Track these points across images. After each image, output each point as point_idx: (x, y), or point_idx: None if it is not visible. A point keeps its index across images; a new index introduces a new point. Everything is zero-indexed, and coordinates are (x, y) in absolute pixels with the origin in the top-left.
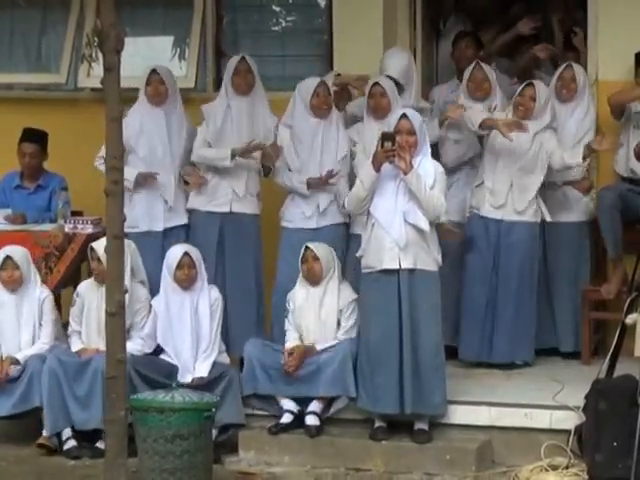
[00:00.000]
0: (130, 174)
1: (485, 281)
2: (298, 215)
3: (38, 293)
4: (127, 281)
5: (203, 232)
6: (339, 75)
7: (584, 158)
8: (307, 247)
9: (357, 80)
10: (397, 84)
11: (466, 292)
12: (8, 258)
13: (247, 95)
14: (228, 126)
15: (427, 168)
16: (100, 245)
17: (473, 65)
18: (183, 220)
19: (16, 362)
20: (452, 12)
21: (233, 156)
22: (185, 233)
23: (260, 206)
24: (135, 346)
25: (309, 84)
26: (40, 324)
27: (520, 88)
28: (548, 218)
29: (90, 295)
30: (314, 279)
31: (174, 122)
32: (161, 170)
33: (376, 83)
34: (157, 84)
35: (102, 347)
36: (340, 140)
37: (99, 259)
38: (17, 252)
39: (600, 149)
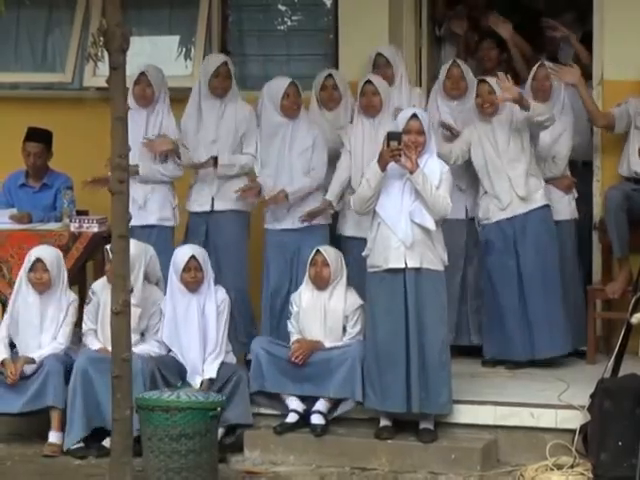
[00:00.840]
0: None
1: (512, 283)
2: (281, 216)
3: (66, 297)
4: (140, 284)
5: (192, 232)
6: (330, 76)
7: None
8: (318, 250)
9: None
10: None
11: (492, 296)
12: (38, 261)
13: (221, 98)
14: (201, 126)
15: (433, 167)
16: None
17: (450, 63)
18: (151, 220)
19: (31, 361)
20: (445, 17)
21: (192, 166)
22: (157, 234)
23: (249, 203)
24: (152, 348)
25: (280, 84)
26: (60, 327)
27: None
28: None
29: (105, 293)
30: (321, 283)
31: (154, 124)
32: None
33: (368, 81)
34: (144, 86)
35: None
36: (308, 138)
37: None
38: (48, 255)
39: (568, 80)
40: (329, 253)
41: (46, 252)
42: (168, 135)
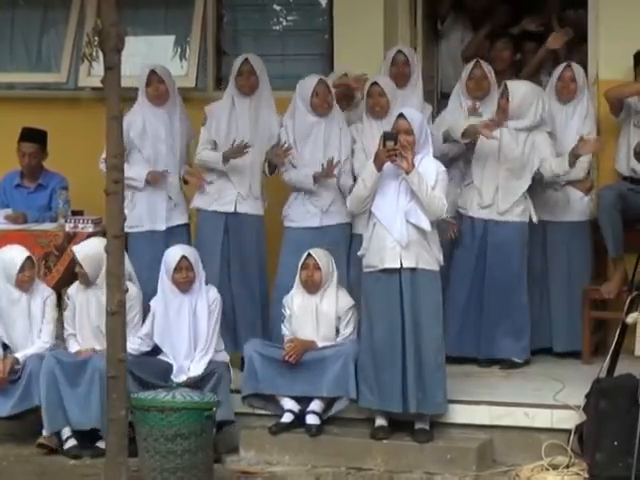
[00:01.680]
0: (138, 174)
1: (467, 279)
2: (301, 214)
3: (42, 293)
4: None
5: (208, 231)
6: (345, 75)
7: (570, 165)
8: (309, 254)
9: (356, 80)
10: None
11: (449, 289)
12: (28, 259)
13: (250, 96)
14: (233, 126)
15: (428, 167)
16: (80, 249)
17: (473, 63)
18: (184, 219)
19: (17, 362)
20: (450, 12)
21: (225, 159)
22: (187, 232)
23: (264, 207)
24: (132, 345)
25: (308, 83)
26: (42, 323)
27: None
28: (535, 219)
29: (79, 297)
30: (313, 287)
31: (176, 121)
32: (153, 181)
33: (374, 83)
34: (157, 84)
35: (98, 347)
36: (342, 138)
37: (80, 263)
38: (27, 252)
39: (584, 153)
40: (320, 257)
41: (24, 249)
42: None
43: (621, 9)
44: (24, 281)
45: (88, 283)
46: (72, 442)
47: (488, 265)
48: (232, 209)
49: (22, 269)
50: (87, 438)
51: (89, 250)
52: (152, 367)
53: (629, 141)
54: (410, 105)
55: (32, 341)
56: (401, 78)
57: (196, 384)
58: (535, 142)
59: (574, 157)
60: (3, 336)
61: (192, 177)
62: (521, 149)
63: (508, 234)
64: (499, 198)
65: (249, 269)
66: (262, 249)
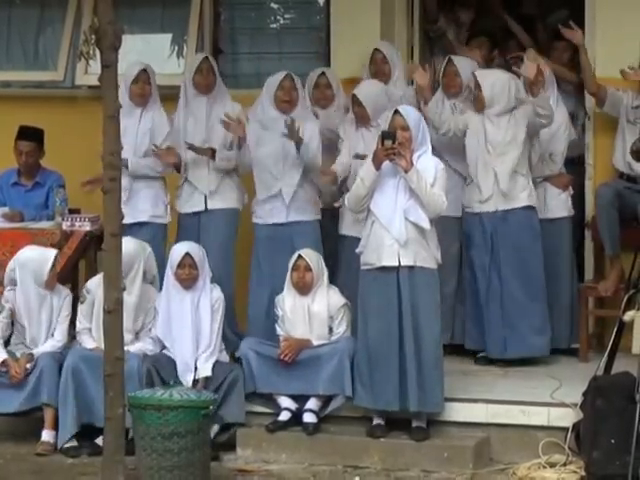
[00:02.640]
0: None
1: (485, 276)
2: (266, 210)
3: (61, 291)
4: (138, 284)
5: (183, 233)
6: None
7: (534, 95)
8: (300, 256)
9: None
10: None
11: (470, 290)
12: (56, 257)
13: (207, 95)
14: (189, 124)
15: (427, 165)
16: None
17: (445, 60)
18: (142, 217)
19: (31, 358)
20: (440, 14)
21: (190, 147)
22: (148, 231)
23: (241, 200)
24: (147, 346)
25: (276, 77)
26: (57, 322)
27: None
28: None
29: (100, 292)
30: (304, 289)
31: (146, 123)
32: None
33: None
34: (143, 84)
35: None
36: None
37: None
38: (56, 251)
39: (530, 75)
40: (311, 258)
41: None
42: (168, 133)
43: (618, 9)
44: (53, 279)
45: None
46: (71, 442)
47: (502, 258)
48: (202, 207)
49: (52, 267)
50: (85, 435)
51: (125, 248)
52: (169, 365)
53: (624, 138)
54: (396, 99)
55: (43, 339)
56: (381, 75)
57: (211, 387)
58: (518, 119)
59: (530, 84)
60: (26, 336)
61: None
62: (504, 132)
63: (517, 222)
64: (500, 185)
65: (213, 269)
66: (229, 242)
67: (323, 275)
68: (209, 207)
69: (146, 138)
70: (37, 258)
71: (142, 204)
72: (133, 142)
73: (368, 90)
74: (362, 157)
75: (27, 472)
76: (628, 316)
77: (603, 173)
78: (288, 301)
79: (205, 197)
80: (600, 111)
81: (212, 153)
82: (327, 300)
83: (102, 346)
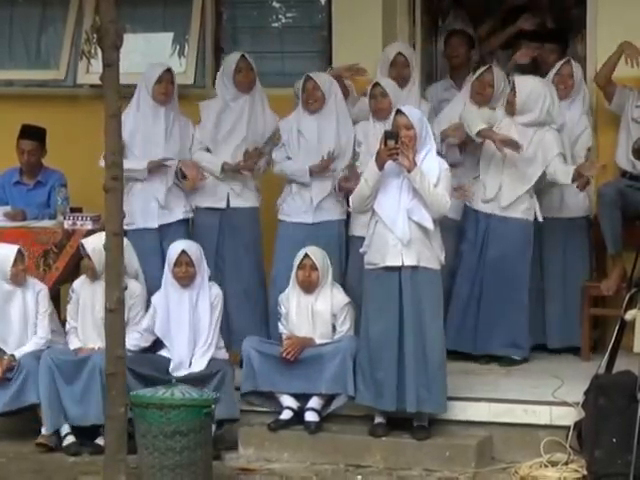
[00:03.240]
0: (139, 164)
1: (470, 273)
2: (295, 208)
3: (35, 288)
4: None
5: (203, 228)
6: (331, 69)
7: (573, 181)
8: (306, 254)
9: (347, 70)
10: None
11: (455, 284)
12: (19, 252)
13: (248, 93)
14: (227, 125)
15: (431, 165)
16: (89, 241)
17: (485, 68)
18: (178, 216)
19: (13, 359)
20: (451, 8)
21: (223, 169)
22: (183, 229)
23: (260, 199)
24: (131, 341)
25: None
26: (36, 318)
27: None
28: (540, 218)
29: (84, 291)
30: (310, 287)
31: (172, 122)
32: (155, 169)
33: (376, 84)
34: (167, 84)
35: (99, 343)
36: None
37: (89, 256)
38: (16, 246)
39: (588, 174)
40: (317, 256)
41: (14, 244)
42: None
43: (619, 7)
44: (18, 274)
45: (95, 276)
46: (71, 439)
47: (488, 260)
48: (224, 205)
49: (15, 263)
50: (86, 434)
51: (98, 243)
52: (153, 363)
53: (628, 136)
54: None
55: (27, 336)
56: (400, 80)
57: (200, 381)
58: (543, 140)
59: (578, 175)
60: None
61: (189, 169)
62: (526, 146)
63: (509, 231)
64: (502, 194)
65: (243, 266)
66: (258, 242)
67: (328, 273)
68: (232, 205)
69: (178, 139)
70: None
71: (174, 204)
72: (163, 143)
73: (389, 81)
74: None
75: (28, 471)
76: (630, 315)
77: (605, 171)
78: (292, 299)
79: (228, 194)
80: (607, 108)
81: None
82: (331, 299)
83: (88, 345)
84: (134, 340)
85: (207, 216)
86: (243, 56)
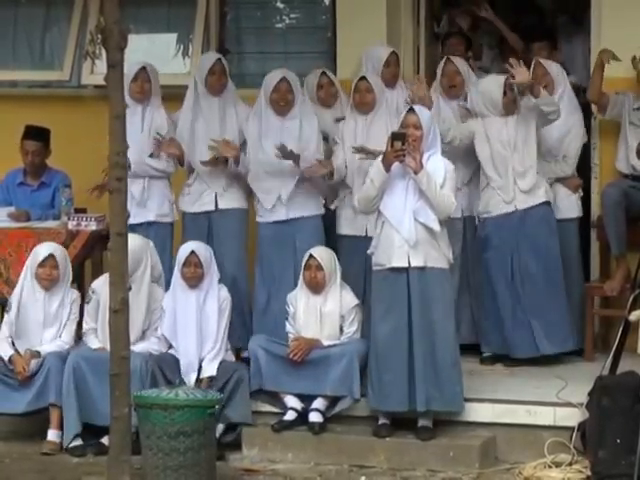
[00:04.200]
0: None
1: (507, 280)
2: (265, 209)
3: (69, 294)
4: (147, 281)
5: (192, 233)
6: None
7: (535, 96)
8: (311, 255)
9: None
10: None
11: (489, 293)
12: (51, 256)
13: (218, 96)
14: (198, 125)
15: (437, 165)
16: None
17: (443, 61)
18: (149, 217)
19: (37, 355)
20: (445, 12)
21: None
22: (154, 230)
23: (249, 199)
24: (152, 345)
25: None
26: (64, 324)
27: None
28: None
29: (105, 292)
30: (317, 288)
31: (149, 121)
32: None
33: (363, 78)
34: (142, 82)
35: None
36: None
37: None
38: (59, 251)
39: (523, 80)
40: (322, 257)
41: (57, 248)
42: (172, 136)
43: (622, 8)
44: (42, 278)
45: None
46: (77, 441)
47: (522, 259)
48: (213, 207)
49: (42, 264)
50: (92, 432)
51: (130, 245)
52: (175, 364)
53: (627, 139)
54: (397, 104)
55: (42, 341)
56: (391, 78)
57: (215, 386)
58: (523, 116)
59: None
60: (13, 329)
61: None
62: (514, 129)
63: (536, 221)
64: (520, 184)
65: (227, 269)
66: (240, 243)
67: (336, 274)
68: (220, 207)
69: (149, 137)
70: (35, 250)
71: (149, 204)
72: (137, 141)
73: (375, 78)
74: (360, 150)
75: (33, 471)
76: (634, 316)
77: (609, 172)
78: (301, 300)
79: (216, 196)
80: (602, 118)
81: (225, 160)
82: (339, 300)
83: (107, 346)
84: (154, 345)
85: (195, 220)
86: (219, 59)
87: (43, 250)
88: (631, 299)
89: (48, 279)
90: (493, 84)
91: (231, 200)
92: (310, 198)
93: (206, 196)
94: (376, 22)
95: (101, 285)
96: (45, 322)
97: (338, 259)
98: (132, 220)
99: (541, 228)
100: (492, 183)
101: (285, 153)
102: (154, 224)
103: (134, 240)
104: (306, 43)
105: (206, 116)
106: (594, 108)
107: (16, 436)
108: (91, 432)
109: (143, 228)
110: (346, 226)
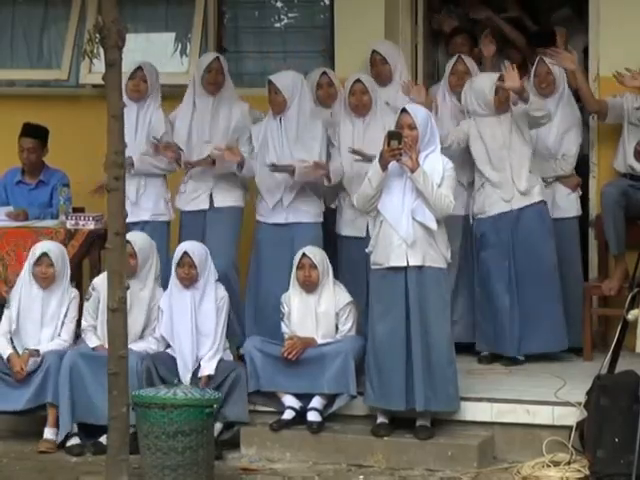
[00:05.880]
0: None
1: (504, 279)
2: (268, 209)
3: (68, 293)
4: (152, 279)
5: (188, 231)
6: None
7: (525, 101)
8: (304, 254)
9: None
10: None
11: (485, 292)
12: (45, 255)
13: (214, 95)
14: (194, 123)
15: (435, 164)
16: (135, 239)
17: (454, 59)
18: (144, 216)
19: (36, 354)
20: (443, 7)
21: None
22: (150, 229)
23: (245, 198)
24: (150, 345)
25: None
26: (63, 322)
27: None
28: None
29: (105, 289)
30: (310, 287)
31: (143, 118)
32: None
33: (357, 80)
34: (139, 81)
35: None
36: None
37: (136, 253)
38: (54, 249)
39: (514, 85)
40: (315, 255)
41: (51, 246)
42: (168, 140)
43: (622, 7)
44: (38, 276)
45: (132, 275)
46: (75, 440)
47: (519, 257)
48: (208, 205)
49: (38, 262)
50: (90, 431)
51: (143, 242)
52: (171, 363)
53: (625, 139)
54: (394, 101)
55: (40, 339)
56: (379, 76)
57: (212, 384)
58: (515, 117)
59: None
60: (13, 327)
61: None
62: (508, 129)
63: (532, 220)
64: (517, 183)
65: (218, 266)
66: (232, 240)
67: (328, 272)
68: (215, 205)
69: (144, 136)
70: (35, 248)
71: (144, 202)
72: (132, 139)
73: (370, 79)
74: (355, 151)
75: (31, 470)
76: (632, 315)
77: (607, 171)
78: (294, 299)
79: (211, 195)
80: (603, 124)
81: (213, 161)
82: (334, 298)
83: (106, 344)
84: (152, 345)
85: (191, 219)
86: (217, 58)
87: (39, 249)
88: (629, 298)
89: (44, 277)
90: (486, 82)
91: (226, 198)
92: (311, 204)
93: (201, 194)
94: (374, 21)
95: (102, 282)
96: (43, 320)
97: (339, 260)
98: (128, 219)
99: (536, 227)
100: (490, 182)
101: (278, 168)
102: (150, 223)
103: (143, 238)
104: (304, 42)
105: (198, 115)
106: (595, 117)
107: (14, 435)
108: (89, 431)
109: (139, 227)
110: (347, 227)
